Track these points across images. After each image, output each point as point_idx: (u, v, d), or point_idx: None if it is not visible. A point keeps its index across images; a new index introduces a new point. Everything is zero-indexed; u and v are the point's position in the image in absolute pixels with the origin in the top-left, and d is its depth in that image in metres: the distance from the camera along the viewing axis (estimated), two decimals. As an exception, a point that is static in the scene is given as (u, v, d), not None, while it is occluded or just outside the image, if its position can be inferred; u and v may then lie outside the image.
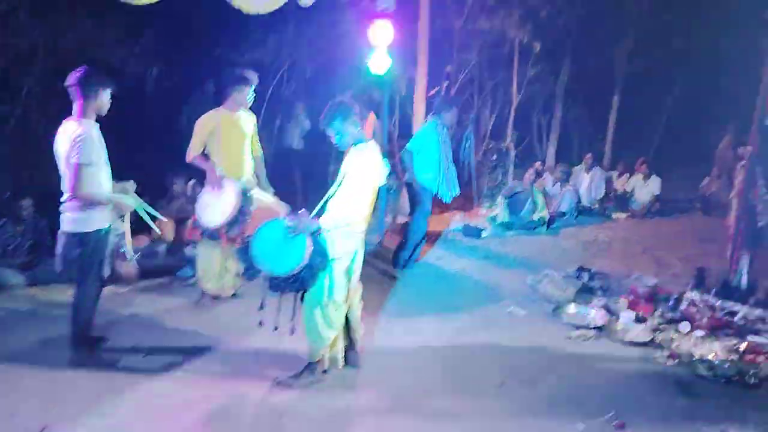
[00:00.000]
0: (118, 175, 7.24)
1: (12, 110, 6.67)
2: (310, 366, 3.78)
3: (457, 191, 6.36)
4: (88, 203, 3.69)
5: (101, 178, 3.75)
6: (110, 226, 3.82)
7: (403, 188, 9.23)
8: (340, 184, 3.64)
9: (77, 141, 3.57)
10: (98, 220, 3.75)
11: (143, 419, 3.36)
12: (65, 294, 4.43)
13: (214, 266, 4.92)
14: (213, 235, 4.58)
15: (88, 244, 3.74)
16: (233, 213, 4.21)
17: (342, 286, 3.67)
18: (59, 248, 3.79)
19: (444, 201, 6.44)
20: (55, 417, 3.31)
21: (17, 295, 5.13)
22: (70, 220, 3.73)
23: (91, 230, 3.72)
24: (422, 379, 3.94)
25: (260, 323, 3.71)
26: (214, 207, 4.42)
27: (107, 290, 5.15)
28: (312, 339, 3.72)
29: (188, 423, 3.34)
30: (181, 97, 7.54)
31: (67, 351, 3.90)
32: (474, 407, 3.62)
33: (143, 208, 4.02)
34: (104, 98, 3.74)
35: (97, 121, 3.79)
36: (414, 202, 6.10)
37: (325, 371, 3.84)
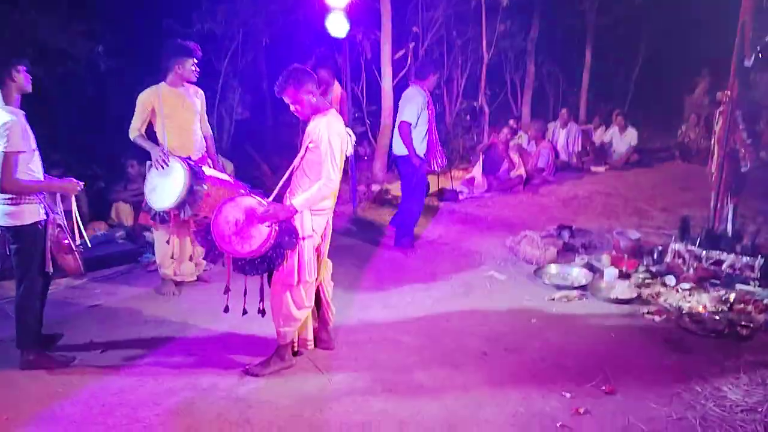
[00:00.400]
0: (76, 159, 6.87)
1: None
2: (279, 350, 3.54)
3: (444, 161, 6.00)
4: (23, 194, 3.36)
5: (32, 166, 3.42)
6: (48, 217, 3.49)
7: (377, 156, 9.00)
8: (302, 155, 3.38)
9: (2, 129, 3.24)
10: (34, 212, 3.42)
11: (101, 420, 3.09)
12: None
13: (171, 251, 4.61)
14: (164, 218, 4.27)
15: (25, 238, 3.42)
16: (183, 194, 3.90)
17: (312, 265, 3.42)
18: None
19: (432, 170, 6.02)
20: (5, 424, 3.03)
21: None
22: (3, 213, 3.40)
23: (26, 223, 3.40)
24: (400, 355, 3.72)
25: (226, 309, 3.49)
26: (162, 188, 4.10)
27: (63, 282, 4.91)
28: (281, 321, 3.47)
29: (150, 421, 3.08)
30: (134, 75, 7.12)
31: (19, 349, 3.60)
32: (456, 380, 3.41)
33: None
34: (21, 77, 3.38)
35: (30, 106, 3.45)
36: (410, 175, 5.62)
37: (295, 353, 3.62)
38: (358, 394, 3.30)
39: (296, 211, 3.28)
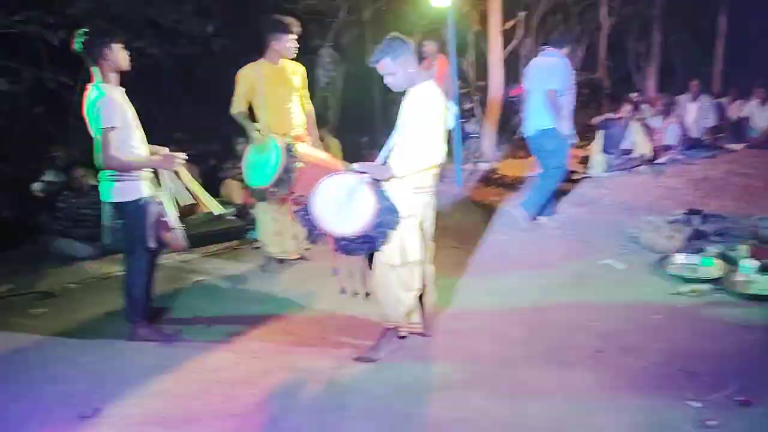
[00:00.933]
0: (193, 136, 7.14)
1: (74, 80, 6.64)
2: (387, 333, 3.43)
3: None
4: (124, 171, 3.45)
5: (132, 142, 3.48)
6: (151, 194, 3.57)
7: (485, 134, 8.66)
8: (401, 130, 3.25)
9: (97, 105, 3.31)
10: (135, 189, 3.50)
11: (200, 397, 3.11)
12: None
13: (271, 228, 4.64)
14: (261, 196, 4.28)
15: (128, 214, 3.52)
16: (277, 172, 3.86)
17: (417, 245, 3.27)
18: (104, 219, 3.62)
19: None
20: (109, 395, 3.13)
21: (85, 267, 5.10)
22: (107, 189, 3.52)
23: (128, 199, 3.48)
24: (503, 348, 3.46)
25: (342, 291, 3.44)
26: (258, 166, 4.10)
27: (174, 257, 5.08)
28: (388, 304, 3.35)
29: (246, 400, 3.05)
30: (245, 53, 7.30)
31: (127, 322, 3.75)
32: (565, 380, 3.10)
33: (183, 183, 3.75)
34: (116, 54, 3.43)
35: (129, 82, 3.51)
36: (555, 150, 5.39)
37: (402, 337, 3.49)
38: (457, 388, 3.09)
39: (392, 174, 3.15)
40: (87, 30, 3.40)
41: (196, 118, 8.17)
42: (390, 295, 3.32)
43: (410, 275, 3.30)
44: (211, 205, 3.84)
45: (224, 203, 6.28)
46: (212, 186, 6.48)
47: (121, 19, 6.67)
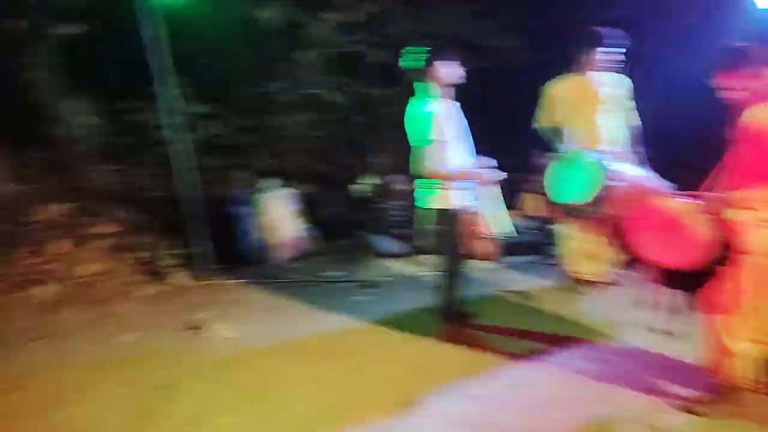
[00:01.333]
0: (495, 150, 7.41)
1: (395, 93, 7.29)
2: (719, 387, 2.96)
3: None
4: (442, 180, 3.64)
5: (449, 154, 3.65)
6: (464, 203, 3.71)
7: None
8: (743, 149, 2.77)
9: (421, 118, 3.56)
10: (449, 198, 3.68)
11: (512, 409, 3.10)
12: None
13: (579, 248, 4.46)
14: (570, 213, 4.11)
15: (441, 221, 3.72)
16: (590, 190, 3.62)
17: (755, 288, 2.77)
18: (416, 223, 3.90)
19: None
20: (425, 389, 3.31)
21: (396, 263, 5.55)
22: (422, 196, 3.76)
23: (442, 207, 3.68)
24: None
25: (652, 328, 3.12)
26: (567, 182, 3.93)
27: (479, 265, 5.21)
28: (715, 352, 2.92)
29: (559, 424, 2.93)
30: (552, 67, 7.25)
31: (438, 322, 3.96)
32: None
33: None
34: (440, 70, 3.64)
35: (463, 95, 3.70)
36: None
37: (739, 393, 2.93)
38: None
39: (732, 205, 2.73)
40: (415, 48, 3.69)
41: (494, 131, 8.34)
42: (717, 342, 2.88)
43: (744, 322, 2.81)
44: (496, 226, 3.83)
45: (527, 216, 6.29)
46: (510, 199, 6.55)
47: (437, 37, 7.14)
